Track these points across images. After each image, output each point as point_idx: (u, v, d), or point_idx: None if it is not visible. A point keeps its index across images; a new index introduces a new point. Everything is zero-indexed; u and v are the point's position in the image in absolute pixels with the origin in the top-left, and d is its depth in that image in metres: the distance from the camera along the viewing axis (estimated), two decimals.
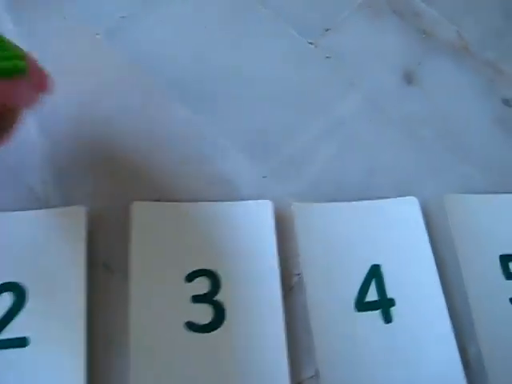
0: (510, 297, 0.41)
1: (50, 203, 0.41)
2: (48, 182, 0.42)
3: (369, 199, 0.43)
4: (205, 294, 0.39)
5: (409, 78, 0.50)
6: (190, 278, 0.39)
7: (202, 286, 0.39)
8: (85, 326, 0.37)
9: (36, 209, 0.40)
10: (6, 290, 0.37)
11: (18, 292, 0.37)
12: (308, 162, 0.45)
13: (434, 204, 0.44)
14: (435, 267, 0.41)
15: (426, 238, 0.42)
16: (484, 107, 0.49)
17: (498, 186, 0.46)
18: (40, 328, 0.37)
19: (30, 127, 0.43)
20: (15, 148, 0.42)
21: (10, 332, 0.36)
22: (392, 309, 0.40)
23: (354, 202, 0.43)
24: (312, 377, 0.38)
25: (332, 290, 0.40)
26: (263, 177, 0.44)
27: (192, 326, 0.38)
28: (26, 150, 0.43)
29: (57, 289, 0.38)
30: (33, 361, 0.36)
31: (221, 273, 0.39)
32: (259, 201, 0.42)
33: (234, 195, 0.43)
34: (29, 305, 0.37)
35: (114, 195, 0.42)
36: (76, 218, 0.39)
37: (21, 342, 0.36)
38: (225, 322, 0.38)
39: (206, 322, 0.38)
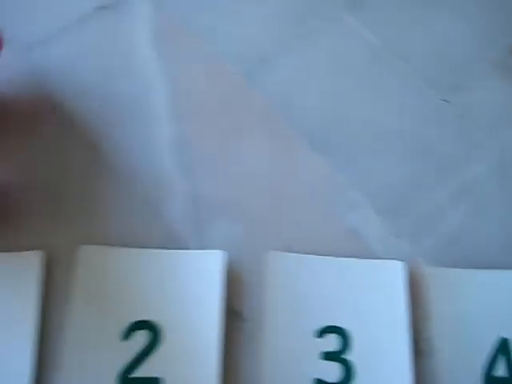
0: None
1: (188, 244, 0.42)
2: (189, 222, 0.42)
3: (501, 268, 0.43)
4: (334, 351, 0.39)
5: None
6: (320, 333, 0.39)
7: (331, 342, 0.39)
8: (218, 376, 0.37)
9: (175, 248, 0.41)
10: (142, 328, 0.38)
11: (154, 331, 0.38)
12: (436, 223, 0.44)
13: None
14: None
15: None
16: None
17: None
18: (172, 371, 0.37)
19: (171, 167, 0.44)
20: (156, 186, 0.43)
21: (144, 371, 0.37)
22: None
23: (487, 271, 0.42)
24: None
25: (461, 359, 0.39)
26: (393, 235, 0.44)
27: None
28: (167, 190, 0.44)
29: (192, 332, 0.38)
30: None
31: (352, 331, 0.39)
32: (391, 261, 0.42)
33: (363, 252, 0.43)
34: (163, 345, 0.38)
35: (249, 242, 0.42)
36: (214, 263, 0.40)
37: (153, 383, 0.37)
38: (353, 382, 0.38)
39: (335, 380, 0.38)
